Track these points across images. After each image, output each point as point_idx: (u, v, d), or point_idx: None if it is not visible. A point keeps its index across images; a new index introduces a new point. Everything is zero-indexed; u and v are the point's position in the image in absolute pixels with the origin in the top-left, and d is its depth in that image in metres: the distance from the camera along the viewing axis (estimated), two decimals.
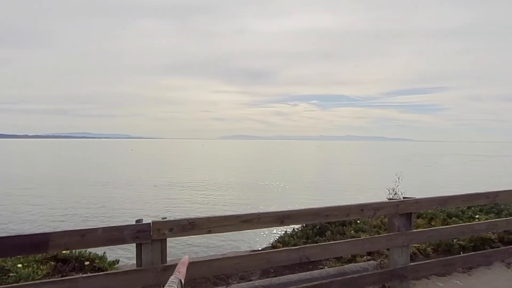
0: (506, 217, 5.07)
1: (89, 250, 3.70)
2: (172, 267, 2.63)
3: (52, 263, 3.60)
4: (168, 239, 2.69)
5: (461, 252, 4.58)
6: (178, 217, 2.70)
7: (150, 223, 2.48)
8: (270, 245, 5.54)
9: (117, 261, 3.92)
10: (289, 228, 5.76)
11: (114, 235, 2.41)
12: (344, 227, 5.45)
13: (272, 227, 3.17)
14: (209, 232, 2.77)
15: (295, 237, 5.25)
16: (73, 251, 3.74)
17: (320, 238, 5.12)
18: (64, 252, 3.61)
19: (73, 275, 3.35)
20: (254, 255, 3.00)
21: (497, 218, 5.13)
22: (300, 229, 5.48)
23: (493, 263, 4.64)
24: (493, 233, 4.93)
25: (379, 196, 5.19)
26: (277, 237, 5.54)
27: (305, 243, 4.92)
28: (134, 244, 2.51)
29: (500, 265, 4.69)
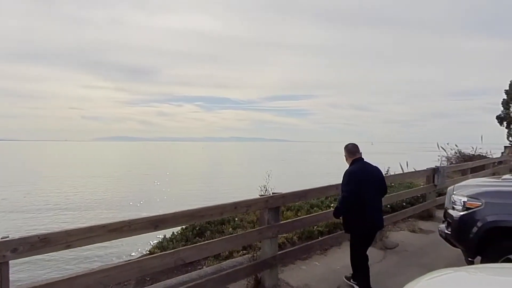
0: None
1: None
2: None
3: None
4: (12, 261, 2.26)
5: (319, 237, 5.37)
6: (26, 234, 2.30)
7: None
8: (148, 252, 5.29)
9: None
10: (169, 232, 5.62)
11: None
12: (223, 225, 5.65)
13: (146, 233, 3.03)
14: (69, 247, 2.47)
15: (174, 241, 5.15)
16: None
17: (200, 239, 5.16)
18: None
19: None
20: (123, 265, 2.81)
21: None
22: (179, 232, 5.40)
23: (342, 243, 5.60)
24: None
25: (255, 193, 5.60)
26: (155, 243, 5.33)
27: (184, 245, 4.88)
28: None
29: (347, 243, 5.69)
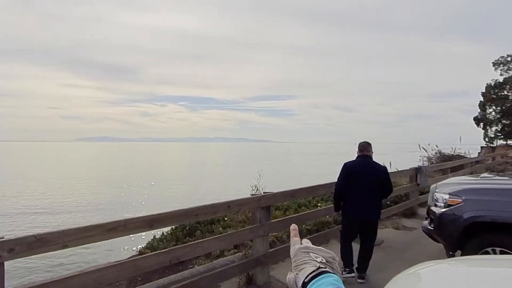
0: None
1: None
2: None
3: None
4: (8, 262, 2.26)
5: (308, 235, 5.49)
6: (23, 234, 2.30)
7: None
8: (138, 252, 5.28)
9: None
10: (158, 233, 5.62)
11: None
12: (213, 225, 5.70)
13: (141, 232, 3.07)
14: (65, 247, 2.48)
15: (164, 240, 5.16)
16: None
17: (190, 239, 5.19)
18: None
19: None
20: (118, 264, 2.83)
21: (332, 204, 6.37)
22: (169, 232, 5.42)
23: (330, 240, 5.75)
24: (329, 216, 6.11)
25: (245, 193, 5.67)
26: (145, 243, 5.32)
27: (175, 245, 4.91)
28: None
29: (335, 241, 5.85)
